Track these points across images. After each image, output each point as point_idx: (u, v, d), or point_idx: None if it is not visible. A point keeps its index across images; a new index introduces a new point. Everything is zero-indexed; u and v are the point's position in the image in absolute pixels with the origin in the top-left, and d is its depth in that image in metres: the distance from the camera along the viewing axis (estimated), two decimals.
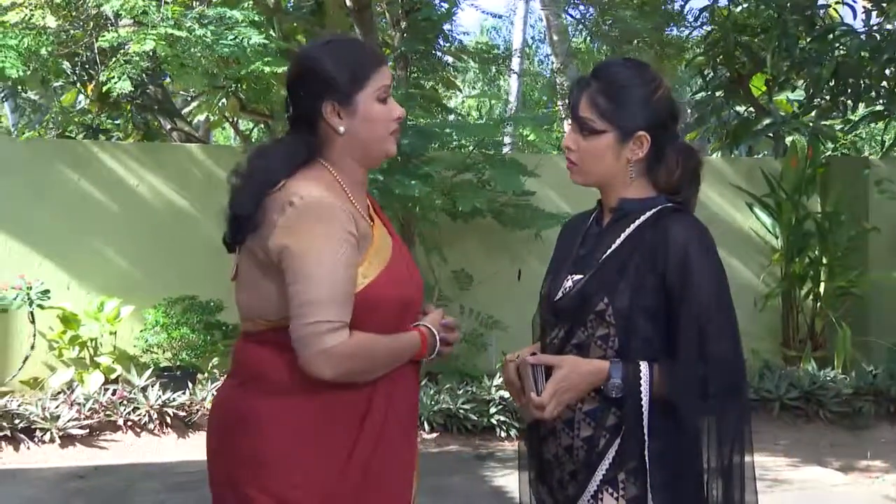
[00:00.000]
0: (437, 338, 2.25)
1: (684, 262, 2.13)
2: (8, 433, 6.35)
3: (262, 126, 9.01)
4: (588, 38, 12.47)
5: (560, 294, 2.26)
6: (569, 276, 2.26)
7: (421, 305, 2.30)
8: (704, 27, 9.61)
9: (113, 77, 5.44)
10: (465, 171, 6.64)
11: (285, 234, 2.05)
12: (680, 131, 2.34)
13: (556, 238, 2.48)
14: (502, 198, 7.39)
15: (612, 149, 2.21)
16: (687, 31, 10.14)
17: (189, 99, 10.63)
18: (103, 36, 5.59)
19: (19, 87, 8.06)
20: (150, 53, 5.39)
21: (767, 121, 9.01)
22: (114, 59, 5.50)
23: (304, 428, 2.09)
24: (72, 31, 5.81)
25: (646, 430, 2.12)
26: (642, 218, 2.22)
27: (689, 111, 11.10)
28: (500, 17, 8.01)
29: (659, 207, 2.23)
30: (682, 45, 9.72)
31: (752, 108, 9.64)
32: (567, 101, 2.30)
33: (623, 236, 2.22)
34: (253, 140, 9.36)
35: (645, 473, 2.12)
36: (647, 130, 2.20)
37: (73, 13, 5.64)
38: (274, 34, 7.61)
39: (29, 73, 5.85)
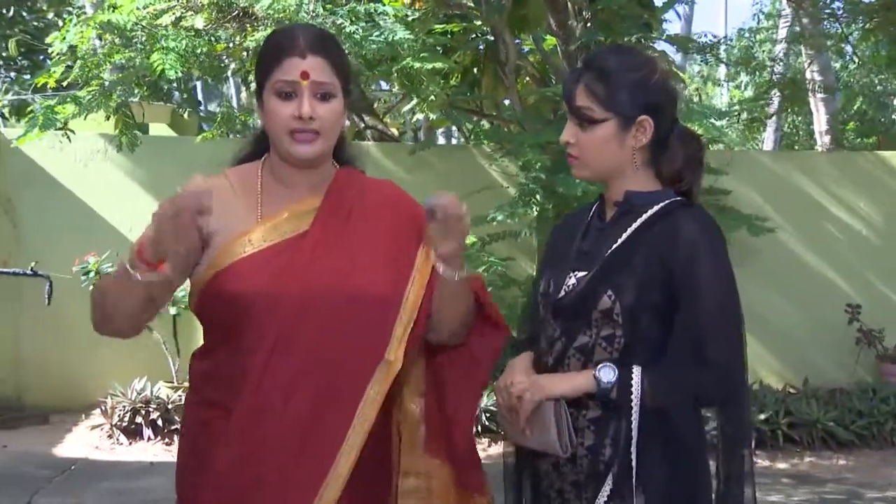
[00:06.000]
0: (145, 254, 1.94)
1: (692, 261, 2.04)
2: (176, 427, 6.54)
3: (485, 122, 8.61)
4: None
5: (563, 292, 2.15)
6: (571, 273, 2.16)
7: (303, 309, 2.01)
8: None
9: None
10: None
11: None
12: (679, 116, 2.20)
13: (549, 235, 2.41)
14: None
15: (616, 137, 2.11)
16: None
17: (400, 98, 10.57)
18: (252, 36, 5.57)
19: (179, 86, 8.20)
20: None
21: None
22: None
23: (192, 430, 2.10)
24: (227, 33, 5.82)
25: (634, 436, 2.01)
26: (650, 212, 2.13)
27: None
28: (685, 2, 7.28)
29: (667, 201, 2.14)
30: None
31: None
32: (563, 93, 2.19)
33: (630, 230, 2.12)
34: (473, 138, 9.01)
35: (637, 485, 2.03)
36: (647, 114, 2.10)
37: (221, 15, 5.63)
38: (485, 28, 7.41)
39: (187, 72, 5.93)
